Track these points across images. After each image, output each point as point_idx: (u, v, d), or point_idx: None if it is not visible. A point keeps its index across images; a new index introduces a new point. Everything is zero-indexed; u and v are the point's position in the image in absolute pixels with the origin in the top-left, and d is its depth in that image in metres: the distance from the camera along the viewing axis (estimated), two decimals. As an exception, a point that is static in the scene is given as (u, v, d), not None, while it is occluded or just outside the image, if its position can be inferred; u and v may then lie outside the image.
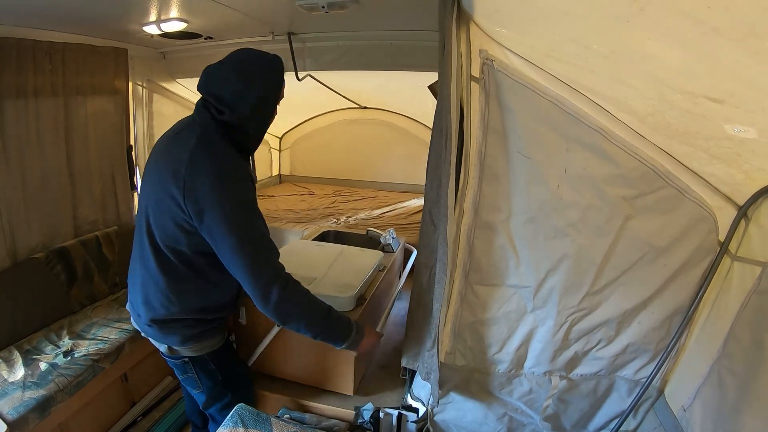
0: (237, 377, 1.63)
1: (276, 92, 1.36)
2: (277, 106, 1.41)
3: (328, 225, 3.61)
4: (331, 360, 1.82)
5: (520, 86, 1.24)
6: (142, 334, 1.49)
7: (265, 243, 1.26)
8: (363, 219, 3.94)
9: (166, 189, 1.21)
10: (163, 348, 1.44)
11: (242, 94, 1.25)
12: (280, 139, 5.41)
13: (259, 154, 5.13)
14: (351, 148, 5.18)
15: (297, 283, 1.29)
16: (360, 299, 1.82)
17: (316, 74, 3.15)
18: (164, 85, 3.29)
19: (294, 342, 1.81)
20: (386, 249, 2.43)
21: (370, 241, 2.52)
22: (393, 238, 2.47)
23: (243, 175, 1.26)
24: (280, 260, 1.28)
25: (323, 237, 2.69)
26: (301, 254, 2.13)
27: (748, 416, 1.12)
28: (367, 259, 2.09)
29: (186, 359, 1.46)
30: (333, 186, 5.20)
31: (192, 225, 1.22)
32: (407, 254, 2.70)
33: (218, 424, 1.62)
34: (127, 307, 1.53)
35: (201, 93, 1.30)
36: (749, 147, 1.02)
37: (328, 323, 1.36)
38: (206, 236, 1.22)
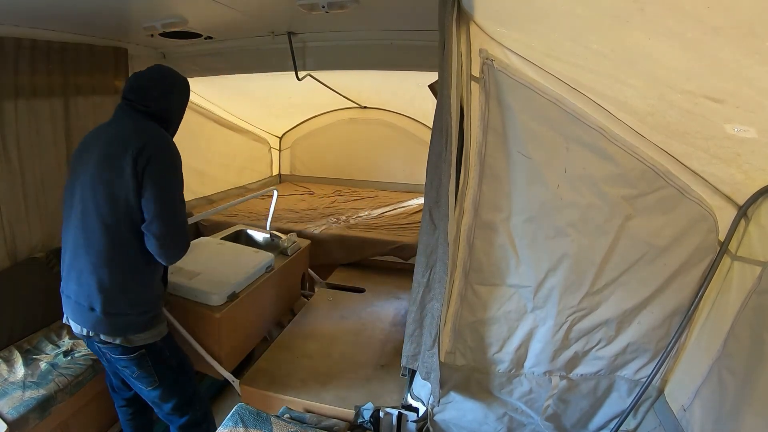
0: (185, 361, 1.69)
1: (187, 100, 1.67)
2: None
3: (328, 224, 3.61)
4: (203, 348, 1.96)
5: (520, 86, 1.24)
6: (90, 334, 1.46)
7: (183, 204, 1.51)
8: (363, 218, 3.93)
9: (116, 166, 1.37)
10: (118, 341, 1.45)
11: (170, 90, 1.56)
12: (280, 139, 5.41)
13: (259, 154, 5.14)
14: (351, 148, 5.18)
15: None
16: (232, 296, 2.02)
17: (316, 74, 3.14)
18: (164, 85, 3.29)
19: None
20: (283, 252, 2.61)
21: (272, 244, 2.74)
22: (293, 242, 2.68)
23: (177, 151, 1.50)
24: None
25: (236, 236, 2.82)
26: (201, 250, 2.31)
27: (748, 416, 1.12)
28: (255, 259, 2.26)
29: (143, 351, 1.49)
30: (333, 186, 5.19)
31: (140, 192, 1.38)
32: (302, 253, 2.85)
33: (174, 424, 1.67)
34: (70, 314, 1.51)
35: (126, 96, 1.52)
36: (749, 147, 1.02)
37: None
38: (144, 189, 1.38)
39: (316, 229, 3.46)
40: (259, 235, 2.87)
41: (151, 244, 1.42)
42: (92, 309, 1.43)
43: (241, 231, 2.90)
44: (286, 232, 3.47)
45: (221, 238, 2.65)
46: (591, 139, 1.26)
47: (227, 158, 4.42)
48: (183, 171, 1.51)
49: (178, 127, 1.67)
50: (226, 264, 2.19)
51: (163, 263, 1.51)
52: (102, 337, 1.45)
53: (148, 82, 1.53)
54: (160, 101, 1.53)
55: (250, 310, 2.18)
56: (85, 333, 1.47)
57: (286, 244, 2.63)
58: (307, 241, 2.95)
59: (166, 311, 1.81)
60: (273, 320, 2.59)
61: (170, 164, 1.44)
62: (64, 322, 1.58)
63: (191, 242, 2.30)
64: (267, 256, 2.37)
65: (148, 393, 1.61)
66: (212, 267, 2.14)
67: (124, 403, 1.81)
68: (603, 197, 1.32)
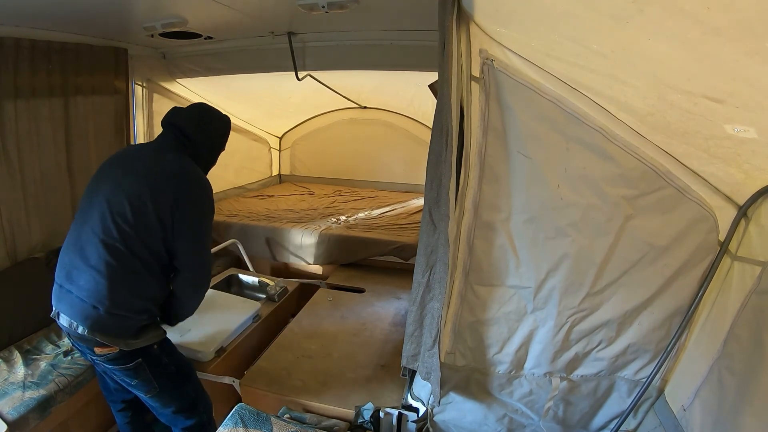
0: (185, 365, 1.69)
1: (222, 146, 1.80)
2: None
3: (328, 225, 3.61)
4: None
5: (520, 86, 1.24)
6: (82, 334, 1.41)
7: (209, 251, 1.64)
8: (363, 218, 3.94)
9: (156, 194, 1.44)
10: (120, 345, 1.44)
11: (202, 137, 1.65)
12: (280, 139, 5.41)
13: (259, 154, 5.13)
14: (351, 148, 5.17)
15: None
16: (219, 351, 2.11)
17: (316, 74, 3.14)
18: (164, 85, 3.29)
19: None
20: (271, 298, 2.67)
21: (262, 288, 2.86)
22: (281, 288, 2.73)
23: (212, 195, 1.61)
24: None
25: (228, 281, 2.92)
26: None
27: (748, 416, 1.12)
28: (242, 311, 2.38)
29: (140, 360, 1.48)
30: (333, 186, 5.19)
31: (170, 225, 1.47)
32: (291, 296, 2.87)
33: (178, 427, 1.67)
34: (66, 309, 1.45)
35: (167, 126, 1.63)
36: (749, 147, 1.02)
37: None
38: (177, 228, 1.48)
39: (315, 230, 3.46)
40: (249, 279, 2.97)
41: (179, 280, 1.57)
42: (95, 308, 1.41)
43: (232, 276, 2.98)
44: (286, 230, 3.48)
45: (213, 285, 2.69)
46: (591, 139, 1.26)
47: (226, 158, 4.39)
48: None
49: (210, 167, 1.77)
50: (215, 318, 2.28)
51: (187, 297, 1.63)
52: (98, 339, 1.41)
53: (186, 120, 1.63)
54: (194, 141, 1.62)
55: (237, 360, 2.25)
56: (80, 332, 1.41)
57: (273, 291, 2.69)
58: (296, 283, 2.98)
59: None
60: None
61: (203, 206, 1.56)
62: (51, 316, 1.52)
63: None
64: (253, 307, 2.44)
65: (147, 399, 1.60)
66: (202, 322, 2.19)
67: (122, 406, 1.80)
68: (603, 197, 1.32)
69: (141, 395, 1.59)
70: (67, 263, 1.50)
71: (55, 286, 1.52)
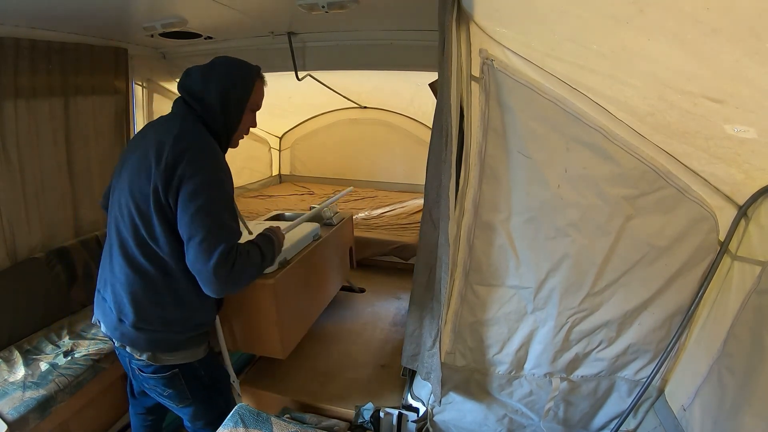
0: (220, 377, 1.59)
1: (240, 94, 1.42)
2: (248, 111, 1.46)
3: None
4: (257, 325, 1.90)
5: (520, 86, 1.24)
6: (117, 344, 1.37)
7: (225, 225, 1.22)
8: (363, 218, 3.93)
9: (149, 173, 1.21)
10: (144, 357, 1.32)
11: (207, 88, 1.36)
12: (280, 139, 5.41)
13: (259, 154, 5.14)
14: (351, 148, 5.18)
15: (240, 255, 1.22)
16: (283, 262, 1.97)
17: (316, 74, 3.14)
18: (164, 85, 3.29)
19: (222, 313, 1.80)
20: (327, 223, 2.60)
21: (315, 218, 2.66)
22: (335, 213, 2.67)
23: (222, 160, 1.33)
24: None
25: (276, 218, 2.78)
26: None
27: (748, 416, 1.12)
28: (302, 229, 2.21)
29: (176, 371, 1.37)
30: (333, 186, 5.19)
31: (173, 210, 1.21)
32: (347, 224, 2.83)
33: None
34: (101, 317, 1.40)
35: (179, 91, 1.42)
36: (749, 147, 1.02)
37: (265, 264, 1.36)
38: (178, 208, 1.19)
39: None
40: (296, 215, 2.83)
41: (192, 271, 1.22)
42: (121, 321, 1.32)
43: (279, 214, 2.85)
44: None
45: (265, 219, 2.59)
46: (591, 139, 1.26)
47: (226, 158, 4.41)
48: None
49: (230, 137, 1.44)
50: None
51: (208, 294, 1.24)
52: (128, 350, 1.35)
53: (197, 79, 1.38)
54: (203, 100, 1.35)
55: (302, 279, 2.12)
56: (115, 341, 1.38)
57: (329, 214, 2.60)
58: (350, 213, 2.90)
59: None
60: (326, 295, 2.51)
61: (206, 180, 1.21)
62: (93, 321, 1.47)
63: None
64: (313, 225, 2.33)
65: (178, 410, 1.53)
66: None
67: (143, 411, 1.73)
68: (604, 197, 1.32)
69: (172, 406, 1.51)
70: (103, 269, 1.40)
71: (96, 291, 1.45)
